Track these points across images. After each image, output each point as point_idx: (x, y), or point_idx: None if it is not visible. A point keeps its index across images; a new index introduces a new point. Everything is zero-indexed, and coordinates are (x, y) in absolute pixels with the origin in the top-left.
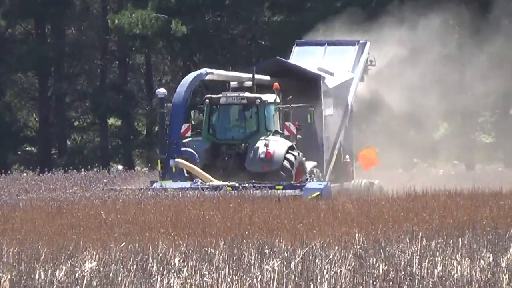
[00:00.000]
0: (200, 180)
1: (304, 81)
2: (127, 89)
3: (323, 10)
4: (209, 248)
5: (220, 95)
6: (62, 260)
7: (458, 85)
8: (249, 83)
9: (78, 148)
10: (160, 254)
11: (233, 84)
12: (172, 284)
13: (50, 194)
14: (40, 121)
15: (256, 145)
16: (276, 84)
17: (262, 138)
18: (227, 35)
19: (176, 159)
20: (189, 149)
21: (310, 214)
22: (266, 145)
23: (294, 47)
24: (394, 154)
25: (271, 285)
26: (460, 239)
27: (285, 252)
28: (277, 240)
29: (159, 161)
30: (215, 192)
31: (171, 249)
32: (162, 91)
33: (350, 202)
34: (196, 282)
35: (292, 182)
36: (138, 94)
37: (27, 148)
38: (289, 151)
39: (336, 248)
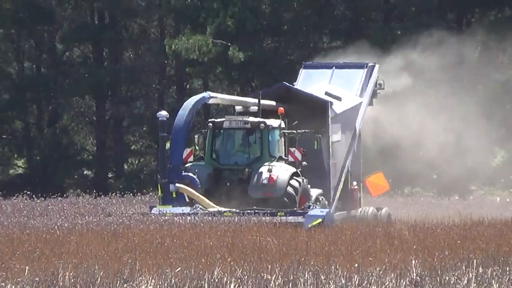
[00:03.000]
0: (200, 206)
1: (311, 107)
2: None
3: (379, 37)
4: (265, 274)
5: (223, 119)
6: (118, 285)
7: None
8: (254, 108)
9: (135, 172)
10: (216, 280)
11: (238, 108)
12: None
13: (106, 218)
14: (97, 144)
15: (260, 171)
16: (281, 109)
17: (266, 163)
18: (285, 61)
19: (177, 184)
20: (190, 174)
21: (367, 240)
22: (270, 171)
23: (301, 69)
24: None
25: None
26: None
27: (341, 279)
28: (333, 267)
29: (159, 185)
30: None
31: (226, 275)
32: (163, 113)
33: (407, 229)
34: None
35: (295, 209)
36: (195, 118)
37: (84, 172)
38: (293, 177)
39: (392, 275)
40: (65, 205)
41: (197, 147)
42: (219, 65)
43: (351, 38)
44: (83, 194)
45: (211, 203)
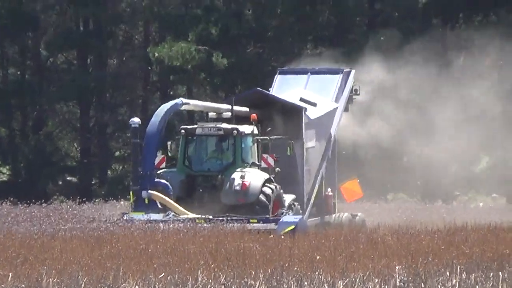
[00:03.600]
0: (172, 213)
1: (285, 113)
2: (168, 120)
3: (365, 43)
4: (249, 280)
5: (196, 126)
6: None
7: (500, 117)
8: (227, 114)
9: (118, 178)
10: (200, 286)
11: (212, 114)
12: None
13: (90, 224)
14: (81, 151)
15: (232, 177)
16: (254, 115)
17: (239, 170)
18: (268, 67)
19: (149, 191)
20: (163, 181)
21: (350, 246)
22: (242, 177)
23: (276, 75)
24: (436, 187)
25: None
26: (500, 272)
27: (325, 284)
28: (316, 272)
29: (131, 192)
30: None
31: (210, 280)
32: (136, 120)
33: (390, 234)
34: None
35: (268, 215)
36: (179, 125)
37: (68, 178)
38: (266, 183)
39: (376, 280)
40: (49, 211)
41: (169, 154)
42: (203, 71)
43: (334, 45)
44: (67, 201)
45: (184, 210)
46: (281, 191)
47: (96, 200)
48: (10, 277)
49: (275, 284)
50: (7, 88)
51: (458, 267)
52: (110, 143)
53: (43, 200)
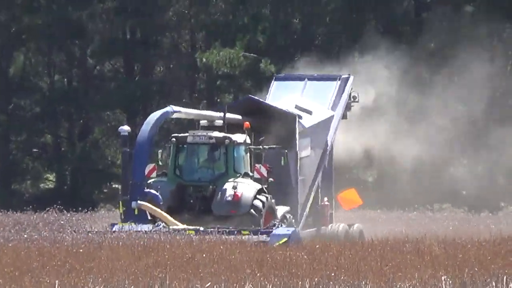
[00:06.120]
0: (162, 224)
1: (279, 121)
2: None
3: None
4: None
5: (187, 134)
6: None
7: None
8: (219, 122)
9: None
10: None
11: (203, 123)
12: None
13: (137, 232)
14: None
15: (224, 187)
16: (247, 123)
17: (231, 180)
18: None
19: (139, 201)
20: (153, 191)
21: (397, 256)
22: (234, 188)
23: (273, 81)
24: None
25: None
26: None
27: None
28: (363, 282)
29: (120, 202)
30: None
31: None
32: (125, 128)
33: (437, 244)
34: None
35: (259, 227)
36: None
37: (114, 186)
38: (259, 194)
39: None
40: (95, 218)
41: (160, 163)
42: (250, 78)
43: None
44: (114, 209)
45: (174, 221)
46: (274, 202)
47: None
48: (56, 285)
49: None
50: (54, 95)
51: (505, 277)
52: (155, 150)
53: (89, 208)
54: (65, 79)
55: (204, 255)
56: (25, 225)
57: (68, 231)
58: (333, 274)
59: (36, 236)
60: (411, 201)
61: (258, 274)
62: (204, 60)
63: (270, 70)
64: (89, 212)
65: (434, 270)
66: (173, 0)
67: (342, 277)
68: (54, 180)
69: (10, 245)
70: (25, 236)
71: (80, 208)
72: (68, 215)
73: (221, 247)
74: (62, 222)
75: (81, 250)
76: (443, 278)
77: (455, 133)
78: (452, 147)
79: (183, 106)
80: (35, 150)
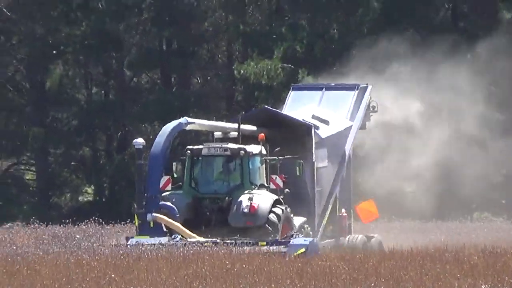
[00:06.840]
0: (179, 236)
1: (295, 131)
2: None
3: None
4: None
5: (202, 146)
6: None
7: None
8: (234, 134)
9: None
10: None
11: (217, 134)
12: None
13: (174, 243)
14: (164, 170)
15: (240, 199)
16: (262, 134)
17: (247, 191)
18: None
19: (154, 214)
20: (168, 203)
21: (436, 265)
22: (250, 199)
23: (290, 91)
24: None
25: None
26: None
27: None
28: None
29: (136, 215)
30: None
31: None
32: (140, 141)
33: (476, 253)
34: None
35: (277, 238)
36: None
37: None
38: (275, 205)
39: None
40: (134, 231)
41: (175, 175)
42: (288, 89)
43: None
44: None
45: (191, 233)
46: (290, 212)
47: None
48: None
49: None
50: (91, 108)
51: None
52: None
53: (128, 220)
54: (102, 92)
55: (243, 266)
56: (64, 238)
57: (107, 243)
58: (373, 284)
59: (75, 248)
60: (449, 210)
61: (298, 285)
62: (241, 71)
63: (308, 81)
64: (127, 224)
65: (474, 279)
66: (209, 11)
67: (382, 287)
68: (92, 192)
69: (49, 257)
70: (64, 248)
71: (118, 220)
72: (107, 227)
73: (260, 258)
74: (100, 234)
75: (120, 262)
76: (483, 287)
77: (492, 143)
78: (490, 156)
79: (221, 118)
80: (73, 163)
